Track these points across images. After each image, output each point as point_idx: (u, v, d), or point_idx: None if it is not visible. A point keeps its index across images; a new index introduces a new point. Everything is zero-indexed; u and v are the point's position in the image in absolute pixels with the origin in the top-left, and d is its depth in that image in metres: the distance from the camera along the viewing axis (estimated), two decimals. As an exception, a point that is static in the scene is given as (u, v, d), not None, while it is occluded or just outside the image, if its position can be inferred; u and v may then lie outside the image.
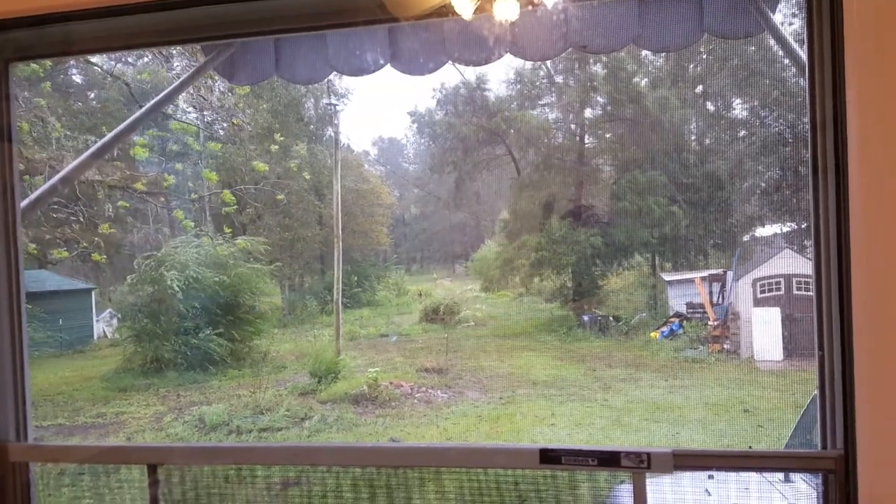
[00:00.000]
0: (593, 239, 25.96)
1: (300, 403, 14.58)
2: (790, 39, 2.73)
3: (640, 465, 1.55)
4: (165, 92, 3.43)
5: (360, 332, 25.29)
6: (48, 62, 10.73)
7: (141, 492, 1.99)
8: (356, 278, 33.08)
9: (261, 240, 20.75)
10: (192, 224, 17.63)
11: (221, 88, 14.67)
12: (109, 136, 3.15)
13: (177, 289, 17.37)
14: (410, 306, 32.65)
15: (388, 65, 3.26)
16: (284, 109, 30.83)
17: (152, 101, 3.33)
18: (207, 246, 19.01)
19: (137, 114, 3.22)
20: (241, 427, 13.00)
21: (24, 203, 2.36)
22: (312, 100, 31.89)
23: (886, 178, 1.35)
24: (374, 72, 3.33)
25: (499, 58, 3.04)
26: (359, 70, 3.36)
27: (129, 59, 22.90)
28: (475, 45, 3.03)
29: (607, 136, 30.73)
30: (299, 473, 1.84)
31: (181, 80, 3.74)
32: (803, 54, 1.65)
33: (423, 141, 41.58)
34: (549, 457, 1.63)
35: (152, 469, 1.89)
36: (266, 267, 20.99)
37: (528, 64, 28.87)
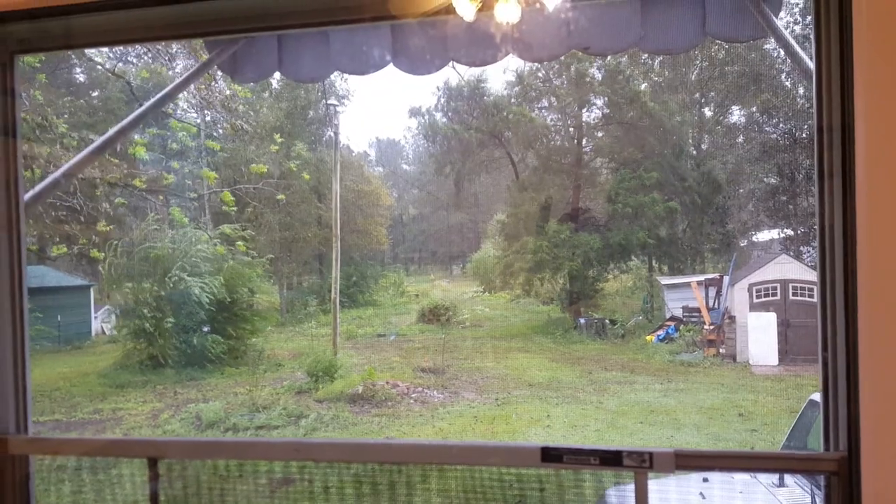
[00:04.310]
0: (590, 242, 25.97)
1: (297, 402, 14.57)
2: (794, 43, 2.73)
3: (643, 464, 1.55)
4: (168, 88, 3.42)
5: (357, 332, 25.28)
6: (41, 55, 10.72)
7: (137, 487, 1.99)
8: (355, 278, 33.10)
9: (241, 230, 20.16)
10: (187, 220, 17.57)
11: (225, 90, 14.64)
12: (112, 131, 3.14)
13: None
14: (408, 306, 32.66)
15: (391, 63, 3.25)
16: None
17: (155, 97, 3.32)
18: (203, 243, 18.93)
19: (140, 109, 3.21)
20: (237, 425, 12.98)
21: (27, 196, 2.36)
22: (322, 101, 32.08)
23: (893, 182, 1.35)
24: (376, 70, 3.32)
25: (503, 57, 3.04)
26: (361, 68, 3.35)
27: (131, 59, 22.93)
28: (479, 44, 3.03)
29: (605, 139, 30.78)
30: (301, 469, 1.84)
31: (184, 76, 3.73)
32: (807, 58, 1.65)
33: (422, 142, 41.61)
34: (551, 455, 1.63)
35: (152, 463, 1.89)
36: (258, 260, 20.92)
37: (527, 67, 28.89)
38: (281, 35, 3.39)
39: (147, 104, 3.20)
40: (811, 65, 1.62)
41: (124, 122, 3.14)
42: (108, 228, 13.84)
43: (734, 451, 1.77)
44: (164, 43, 11.83)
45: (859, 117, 1.39)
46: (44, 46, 2.44)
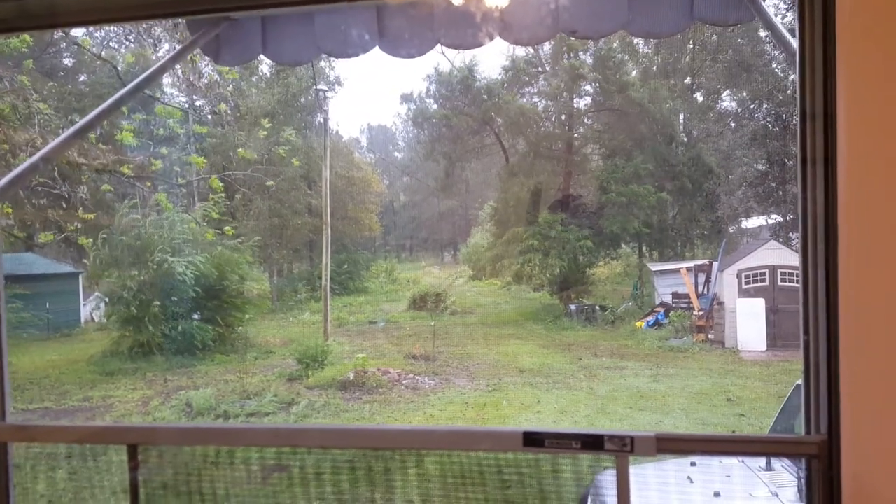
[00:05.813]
0: (583, 242, 26.00)
1: (287, 389, 14.57)
2: (781, 27, 2.71)
3: (624, 448, 1.55)
4: (150, 70, 3.35)
5: (348, 319, 25.29)
6: (28, 37, 10.60)
7: (118, 475, 1.96)
8: (346, 266, 33.07)
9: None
10: (172, 206, 17.44)
11: (214, 75, 14.51)
12: (92, 114, 3.08)
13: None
14: (399, 293, 32.68)
15: (377, 46, 3.21)
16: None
17: (136, 80, 3.26)
18: (186, 224, 18.74)
19: (121, 92, 3.15)
20: (228, 412, 12.98)
21: (1, 182, 2.32)
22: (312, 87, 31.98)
23: (874, 170, 1.35)
24: (362, 53, 3.27)
25: (488, 40, 3.00)
26: (346, 51, 3.30)
27: (113, 45, 22.73)
28: (464, 26, 2.99)
29: (596, 125, 30.74)
30: (280, 455, 1.82)
31: (166, 58, 3.68)
32: (794, 43, 1.64)
33: (412, 129, 41.44)
34: (533, 440, 1.62)
35: (132, 450, 1.86)
36: (246, 244, 20.81)
37: (518, 52, 28.77)
38: (265, 17, 3.34)
39: (127, 87, 3.14)
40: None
41: (105, 104, 3.08)
42: (93, 215, 13.74)
43: (716, 435, 1.78)
44: (145, 24, 11.67)
45: (841, 103, 1.37)
46: (21, 26, 2.40)
